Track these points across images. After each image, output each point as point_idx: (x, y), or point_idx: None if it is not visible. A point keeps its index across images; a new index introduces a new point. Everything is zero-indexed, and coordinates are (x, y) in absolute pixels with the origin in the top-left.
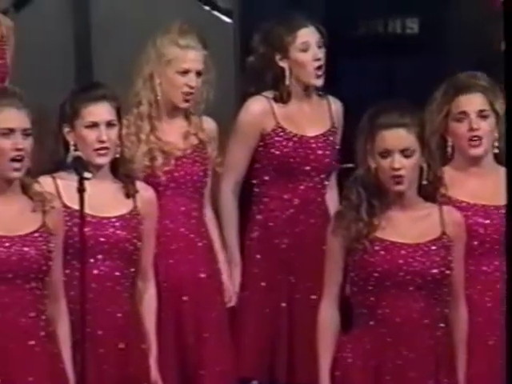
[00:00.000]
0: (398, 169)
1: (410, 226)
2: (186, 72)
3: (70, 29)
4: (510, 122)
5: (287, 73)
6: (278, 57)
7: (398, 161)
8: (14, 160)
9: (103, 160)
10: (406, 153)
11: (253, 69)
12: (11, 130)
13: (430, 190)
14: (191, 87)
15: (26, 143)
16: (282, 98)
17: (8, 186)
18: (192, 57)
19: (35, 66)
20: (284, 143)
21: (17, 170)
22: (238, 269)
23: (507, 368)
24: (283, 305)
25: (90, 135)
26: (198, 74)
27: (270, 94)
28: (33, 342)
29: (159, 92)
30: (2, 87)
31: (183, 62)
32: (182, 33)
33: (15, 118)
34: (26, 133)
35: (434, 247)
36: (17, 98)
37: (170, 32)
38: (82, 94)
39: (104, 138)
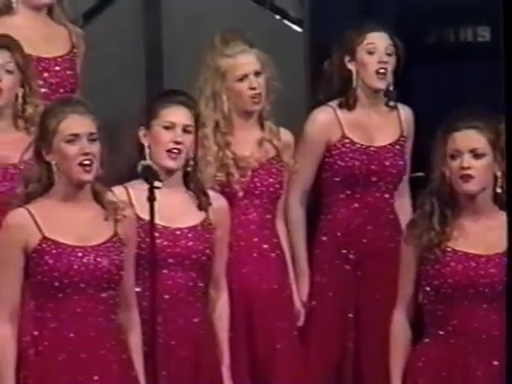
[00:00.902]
0: (467, 168)
1: (482, 236)
2: (244, 77)
3: (142, 38)
4: (509, 131)
5: (354, 75)
6: (346, 59)
7: (467, 161)
8: (82, 164)
9: (174, 163)
10: (475, 153)
11: (324, 74)
12: (76, 136)
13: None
14: (254, 88)
15: (93, 147)
16: (349, 103)
17: (80, 193)
18: (244, 61)
19: (107, 75)
20: (350, 154)
21: (86, 172)
22: (305, 279)
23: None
24: (350, 315)
25: (166, 135)
26: (257, 73)
27: (336, 103)
28: (104, 351)
29: (226, 106)
30: (66, 96)
31: (237, 69)
32: (226, 42)
33: (79, 123)
34: (91, 137)
35: (505, 259)
36: (80, 105)
37: (215, 45)
38: (163, 97)
39: (179, 139)
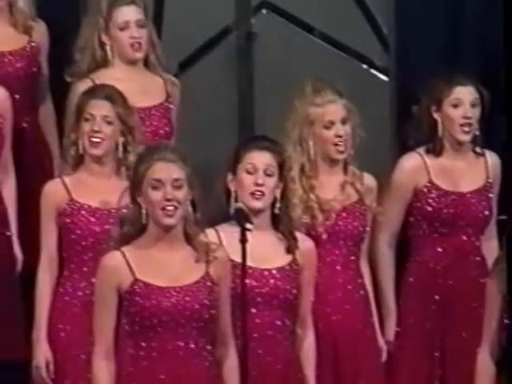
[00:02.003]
0: None
1: None
2: (331, 124)
3: (235, 86)
4: (510, 122)
5: (440, 125)
6: (433, 108)
7: None
8: (164, 209)
9: (258, 204)
10: None
11: (413, 120)
12: (160, 182)
13: None
14: (340, 136)
15: (178, 193)
16: (435, 150)
17: (170, 235)
18: (332, 109)
19: (201, 122)
20: (437, 199)
21: (169, 216)
22: (393, 318)
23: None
24: (436, 354)
25: (249, 179)
26: (344, 122)
27: (423, 149)
28: None
29: (312, 151)
30: (158, 143)
31: (325, 117)
32: (316, 91)
33: (164, 170)
34: (176, 184)
35: None
36: (168, 152)
37: (305, 93)
38: (248, 143)
39: (260, 181)
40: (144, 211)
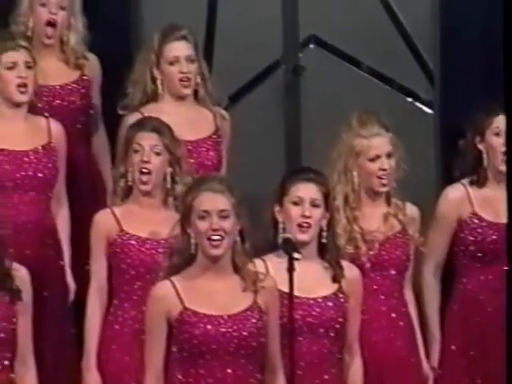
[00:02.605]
0: None
1: None
2: (376, 158)
3: (282, 118)
4: (510, 124)
5: (484, 156)
6: (477, 139)
7: None
8: (210, 239)
9: (305, 236)
10: None
11: (459, 152)
12: (207, 212)
13: None
14: (385, 170)
15: (224, 224)
16: (479, 181)
17: (218, 265)
18: (378, 143)
19: (249, 152)
20: (479, 230)
21: (215, 247)
22: (437, 346)
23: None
24: (478, 381)
25: (295, 211)
26: (389, 156)
27: (467, 180)
28: None
29: (356, 183)
30: (207, 174)
31: (371, 150)
32: (363, 123)
33: (211, 200)
34: (223, 214)
35: None
36: (215, 183)
37: (352, 125)
38: (294, 175)
39: (307, 213)
40: (193, 241)
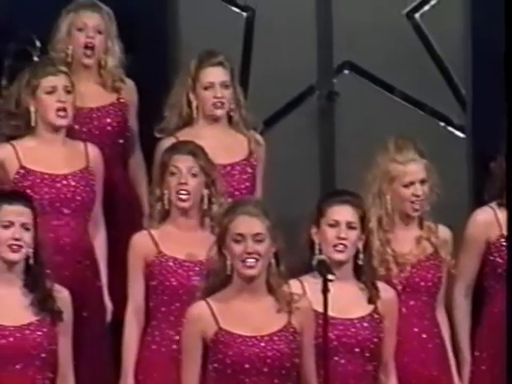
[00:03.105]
0: None
1: None
2: (410, 184)
3: (316, 142)
4: (510, 130)
5: None
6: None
7: None
8: (245, 261)
9: (340, 257)
10: None
11: (490, 176)
12: (241, 236)
13: None
14: (418, 196)
15: (259, 247)
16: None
17: (253, 286)
18: (413, 169)
19: (284, 176)
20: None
21: (250, 268)
22: (467, 367)
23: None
24: None
25: (332, 232)
26: (423, 182)
27: (495, 203)
28: None
29: (390, 207)
30: (244, 197)
31: (405, 175)
32: (399, 149)
33: (246, 224)
34: (257, 238)
35: None
36: (251, 206)
37: (388, 150)
38: (330, 197)
39: (342, 235)
40: (229, 262)
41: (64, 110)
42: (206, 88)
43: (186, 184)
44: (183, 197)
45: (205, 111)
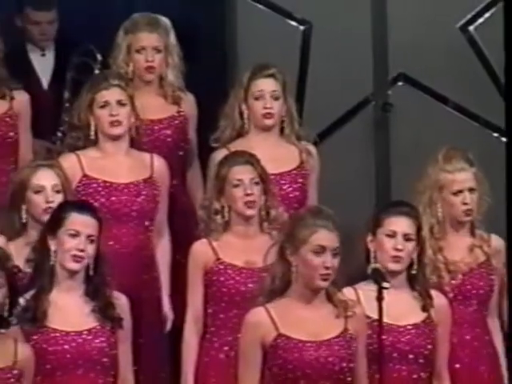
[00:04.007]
0: None
1: None
2: (459, 192)
3: (371, 153)
4: (509, 131)
5: None
6: None
7: None
8: (322, 275)
9: (396, 267)
10: None
11: None
12: (323, 248)
13: None
14: (467, 204)
15: (335, 261)
16: None
17: (315, 296)
18: (461, 178)
19: (339, 186)
20: None
21: (325, 281)
22: None
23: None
24: None
25: (389, 243)
26: (471, 190)
27: None
28: None
29: (440, 214)
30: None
31: (454, 184)
32: (448, 159)
33: (327, 238)
34: (335, 252)
35: None
36: (330, 220)
37: (438, 160)
38: (388, 208)
39: (399, 246)
40: (294, 269)
41: (117, 121)
42: (256, 98)
43: (252, 195)
44: (250, 204)
45: (255, 121)
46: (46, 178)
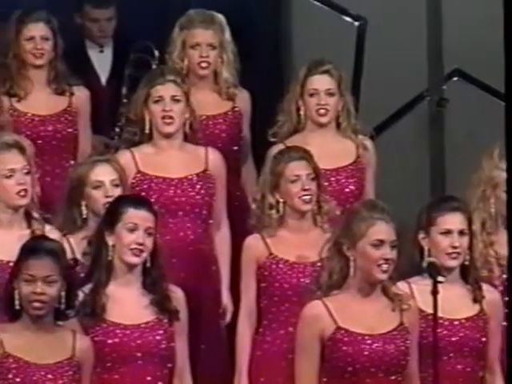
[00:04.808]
0: None
1: None
2: None
3: (426, 148)
4: (509, 131)
5: None
6: None
7: None
8: (380, 266)
9: (454, 263)
10: None
11: None
12: (382, 242)
13: None
14: None
15: (394, 254)
16: None
17: (372, 289)
18: None
19: (393, 180)
20: None
21: (385, 273)
22: None
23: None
24: None
25: (445, 241)
26: None
27: None
28: None
29: (493, 210)
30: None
31: None
32: (503, 156)
33: (385, 231)
34: (393, 244)
35: None
36: (386, 213)
37: (493, 156)
38: (439, 205)
39: (456, 244)
40: (352, 264)
41: (170, 117)
42: (311, 95)
43: (309, 190)
44: (307, 199)
45: (311, 117)
46: (104, 174)
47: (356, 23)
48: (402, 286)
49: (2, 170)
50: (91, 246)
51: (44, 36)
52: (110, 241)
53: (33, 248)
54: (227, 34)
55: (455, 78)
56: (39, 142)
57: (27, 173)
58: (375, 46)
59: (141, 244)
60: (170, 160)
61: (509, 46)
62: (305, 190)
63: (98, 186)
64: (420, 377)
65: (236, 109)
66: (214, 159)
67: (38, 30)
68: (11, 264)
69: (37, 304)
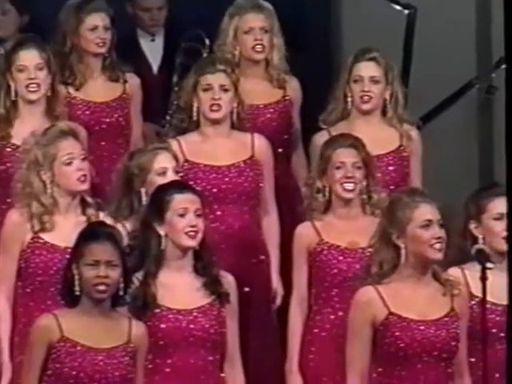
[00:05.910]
0: None
1: None
2: None
3: (475, 136)
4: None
5: None
6: None
7: None
8: (432, 245)
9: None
10: None
11: None
12: (430, 221)
13: None
14: None
15: (443, 232)
16: None
17: (424, 274)
18: None
19: (442, 168)
20: None
21: (439, 251)
22: None
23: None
24: None
25: (499, 226)
26: None
27: None
28: None
29: None
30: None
31: None
32: None
33: (431, 211)
34: (441, 223)
35: None
36: (426, 196)
37: None
38: (487, 191)
39: None
40: (403, 252)
41: (218, 105)
42: (355, 81)
43: (352, 177)
44: (349, 187)
45: (355, 104)
46: (167, 161)
47: (406, 11)
48: (454, 272)
49: (60, 157)
50: (136, 240)
51: (106, 26)
52: (162, 231)
53: (95, 233)
54: (276, 20)
55: (504, 66)
56: (96, 128)
57: (84, 158)
58: (424, 34)
59: (194, 226)
60: (217, 147)
61: (509, 45)
62: (348, 177)
63: (163, 173)
64: (469, 362)
65: (287, 97)
66: (261, 145)
67: (100, 19)
68: (69, 250)
69: (101, 287)
